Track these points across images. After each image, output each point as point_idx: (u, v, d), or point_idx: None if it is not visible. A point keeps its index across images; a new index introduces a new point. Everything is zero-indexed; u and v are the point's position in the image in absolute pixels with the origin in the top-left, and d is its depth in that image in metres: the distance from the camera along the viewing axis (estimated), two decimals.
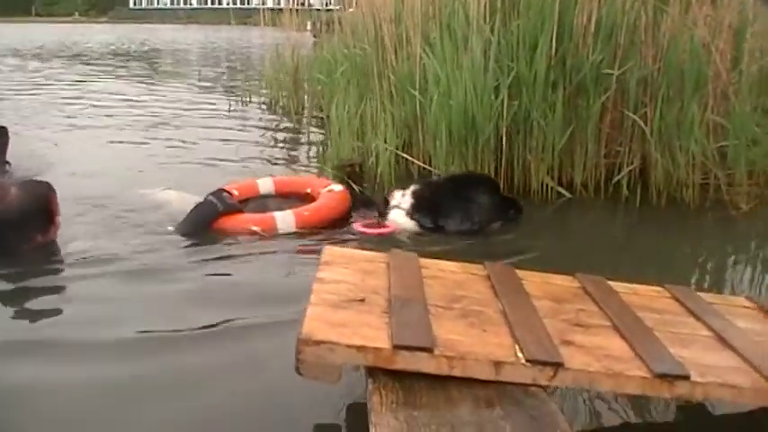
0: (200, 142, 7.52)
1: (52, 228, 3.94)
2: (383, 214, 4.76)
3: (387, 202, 4.83)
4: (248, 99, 10.68)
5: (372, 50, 6.48)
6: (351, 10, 7.96)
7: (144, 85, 13.15)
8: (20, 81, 13.61)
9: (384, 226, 4.67)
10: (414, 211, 4.67)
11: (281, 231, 4.49)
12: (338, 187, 4.94)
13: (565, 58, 5.42)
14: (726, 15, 5.82)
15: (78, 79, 14.13)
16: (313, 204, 4.74)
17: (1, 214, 3.66)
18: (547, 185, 5.45)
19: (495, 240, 4.53)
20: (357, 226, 4.64)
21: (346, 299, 2.39)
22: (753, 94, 5.71)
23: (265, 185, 5.08)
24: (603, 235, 4.96)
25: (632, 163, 5.50)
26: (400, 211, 4.70)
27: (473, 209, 4.64)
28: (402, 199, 4.75)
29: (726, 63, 5.74)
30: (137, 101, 10.76)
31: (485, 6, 5.56)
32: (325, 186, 4.96)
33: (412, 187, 4.81)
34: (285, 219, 4.54)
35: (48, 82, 13.49)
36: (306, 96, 9.76)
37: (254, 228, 4.45)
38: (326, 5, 12.19)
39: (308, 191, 5.01)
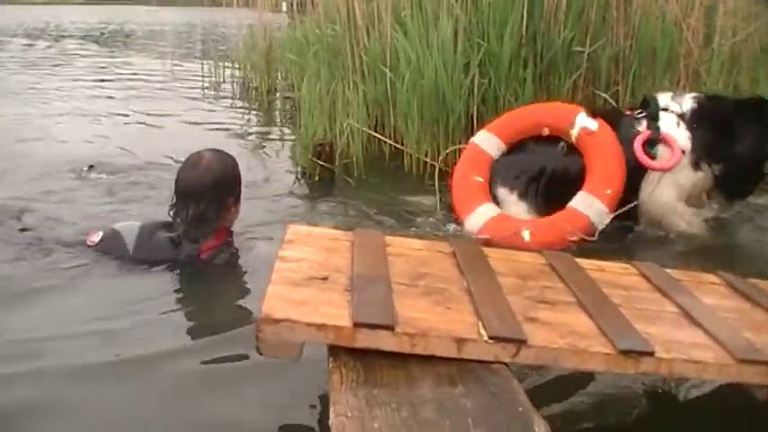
0: (169, 123, 7.44)
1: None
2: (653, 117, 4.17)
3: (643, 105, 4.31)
4: (221, 80, 10.58)
5: (344, 29, 6.42)
6: None
7: (115, 66, 12.99)
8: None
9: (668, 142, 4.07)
10: (693, 121, 4.14)
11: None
12: (592, 123, 4.10)
13: (535, 35, 5.40)
14: None
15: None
16: (599, 169, 3.96)
17: (201, 177, 3.41)
18: None
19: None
20: (639, 149, 4.04)
21: (308, 277, 2.36)
22: (724, 71, 5.71)
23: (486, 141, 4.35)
24: None
25: None
26: (673, 118, 4.18)
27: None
28: (674, 102, 4.23)
29: (698, 41, 5.74)
30: (108, 85, 10.61)
31: None
32: (571, 120, 4.13)
33: (690, 94, 4.34)
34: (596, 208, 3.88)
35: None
36: (278, 76, 9.68)
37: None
38: None
39: (546, 131, 4.24)
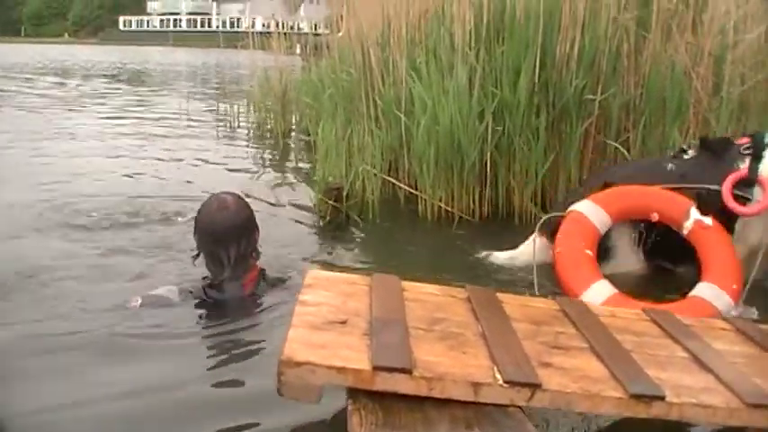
0: (186, 167, 7.57)
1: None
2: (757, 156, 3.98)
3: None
4: (236, 122, 10.73)
5: (359, 75, 6.56)
6: (339, 34, 8.04)
7: (130, 109, 13.19)
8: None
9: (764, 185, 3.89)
10: None
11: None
12: (707, 218, 3.95)
13: (548, 83, 5.50)
14: (706, 42, 5.91)
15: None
16: (720, 263, 3.82)
17: (234, 218, 3.50)
18: (530, 210, 5.52)
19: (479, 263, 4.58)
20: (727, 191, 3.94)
21: (327, 321, 2.44)
22: (733, 118, 5.80)
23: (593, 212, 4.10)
24: None
25: None
26: None
27: None
28: None
29: (707, 89, 5.84)
30: (121, 129, 10.74)
31: (469, 33, 5.65)
32: (685, 211, 3.99)
33: None
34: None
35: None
36: (293, 120, 9.83)
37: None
38: (315, 29, 12.26)
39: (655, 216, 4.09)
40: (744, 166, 4.02)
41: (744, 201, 3.97)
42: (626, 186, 4.20)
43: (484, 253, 4.55)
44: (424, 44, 6.01)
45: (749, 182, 3.97)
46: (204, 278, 3.57)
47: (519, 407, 2.16)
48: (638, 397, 2.20)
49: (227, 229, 3.47)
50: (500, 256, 4.51)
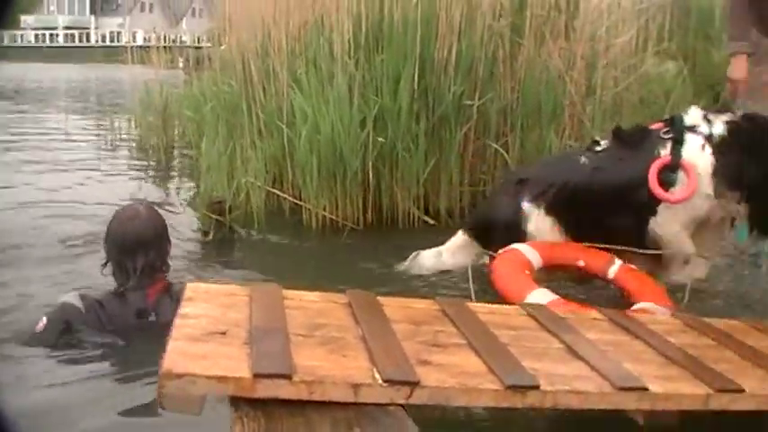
0: (64, 182, 7.34)
1: None
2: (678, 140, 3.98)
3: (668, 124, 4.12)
4: (117, 138, 10.50)
5: (240, 87, 6.52)
6: (223, 47, 7.99)
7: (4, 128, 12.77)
8: None
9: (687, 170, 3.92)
10: (721, 144, 3.94)
11: None
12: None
13: (427, 90, 5.59)
14: (579, 47, 6.12)
15: None
16: (653, 289, 3.83)
17: (145, 228, 3.44)
18: (414, 214, 5.59)
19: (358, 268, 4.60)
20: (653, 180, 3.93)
21: (207, 332, 2.41)
22: (606, 120, 6.01)
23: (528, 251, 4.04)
24: None
25: None
26: (699, 141, 3.99)
27: None
28: (705, 122, 4.02)
29: (580, 92, 6.04)
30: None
31: (348, 42, 5.70)
32: (609, 260, 4.01)
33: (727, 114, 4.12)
34: None
35: None
36: (176, 134, 9.68)
37: None
38: (198, 42, 12.14)
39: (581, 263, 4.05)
40: (665, 151, 3.99)
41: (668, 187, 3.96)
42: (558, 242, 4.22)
43: (413, 254, 4.52)
44: (304, 54, 6.01)
45: (673, 167, 3.95)
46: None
47: (400, 405, 2.18)
48: (513, 388, 2.26)
49: (137, 239, 3.42)
50: (427, 255, 4.51)
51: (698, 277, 4.16)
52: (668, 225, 4.03)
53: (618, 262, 3.98)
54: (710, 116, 4.04)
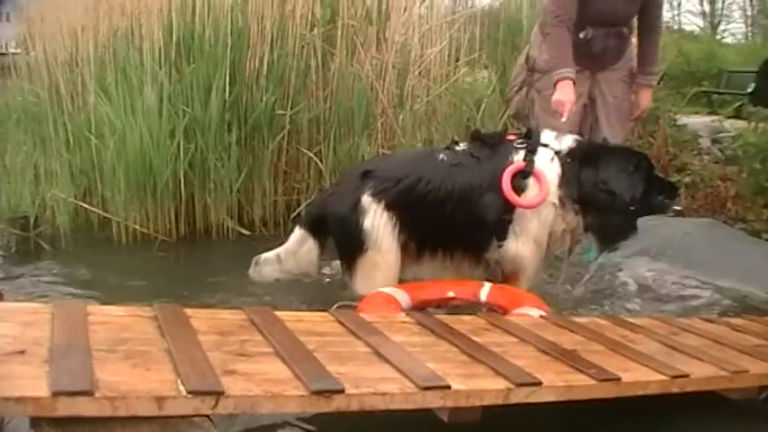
0: None
1: None
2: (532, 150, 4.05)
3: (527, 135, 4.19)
4: None
5: (47, 97, 6.29)
6: (33, 53, 7.66)
7: None
8: None
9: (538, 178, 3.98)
10: (567, 158, 4.05)
11: None
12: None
13: (239, 100, 5.58)
14: (390, 57, 6.25)
15: None
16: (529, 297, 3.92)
17: None
18: (227, 225, 5.56)
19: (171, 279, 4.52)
20: (506, 182, 3.94)
21: (5, 353, 2.32)
22: (417, 128, 6.17)
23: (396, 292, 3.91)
24: None
25: (310, 198, 5.72)
26: (549, 154, 4.08)
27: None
28: (556, 141, 4.12)
29: (392, 101, 6.17)
30: None
31: (159, 51, 5.60)
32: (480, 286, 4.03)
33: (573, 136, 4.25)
34: None
35: None
36: None
37: None
38: (6, 49, 11.58)
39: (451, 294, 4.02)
40: (518, 158, 4.05)
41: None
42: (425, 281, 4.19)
43: (254, 260, 4.35)
44: (113, 63, 5.86)
45: (526, 174, 4.02)
46: None
47: (206, 416, 2.17)
48: (318, 393, 2.29)
49: None
50: (266, 258, 4.33)
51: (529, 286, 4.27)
52: (519, 234, 4.10)
53: (488, 284, 4.02)
54: (559, 137, 4.18)
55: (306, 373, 2.40)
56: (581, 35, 4.82)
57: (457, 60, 7.30)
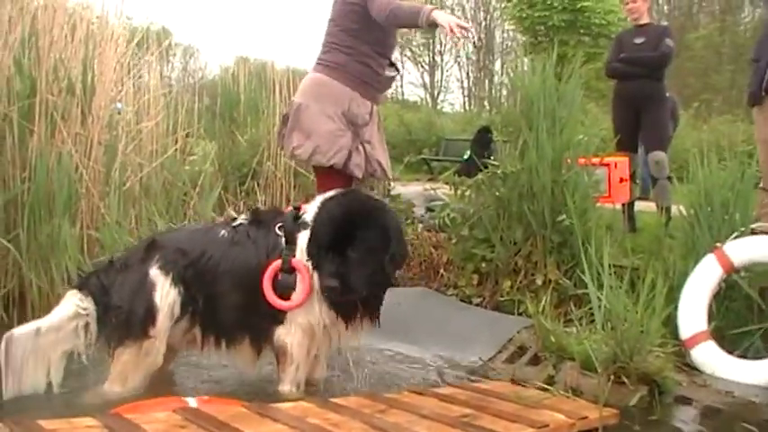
0: None
1: None
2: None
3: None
4: None
5: None
6: None
7: None
8: None
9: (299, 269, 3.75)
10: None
11: None
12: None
13: None
14: (95, 132, 5.95)
15: None
16: None
17: None
18: None
19: None
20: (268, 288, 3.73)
21: None
22: (131, 206, 5.91)
23: None
24: None
25: (5, 286, 5.31)
26: (307, 231, 3.80)
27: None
28: (312, 206, 3.87)
29: (99, 179, 5.86)
30: None
31: None
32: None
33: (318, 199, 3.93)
34: None
35: None
36: None
37: None
38: None
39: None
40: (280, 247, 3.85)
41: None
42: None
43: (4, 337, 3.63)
44: None
45: (287, 269, 3.79)
46: None
47: None
48: None
49: None
50: (23, 331, 3.66)
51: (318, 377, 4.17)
52: (287, 321, 3.89)
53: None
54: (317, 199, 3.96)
55: None
56: None
57: (174, 133, 7.16)
